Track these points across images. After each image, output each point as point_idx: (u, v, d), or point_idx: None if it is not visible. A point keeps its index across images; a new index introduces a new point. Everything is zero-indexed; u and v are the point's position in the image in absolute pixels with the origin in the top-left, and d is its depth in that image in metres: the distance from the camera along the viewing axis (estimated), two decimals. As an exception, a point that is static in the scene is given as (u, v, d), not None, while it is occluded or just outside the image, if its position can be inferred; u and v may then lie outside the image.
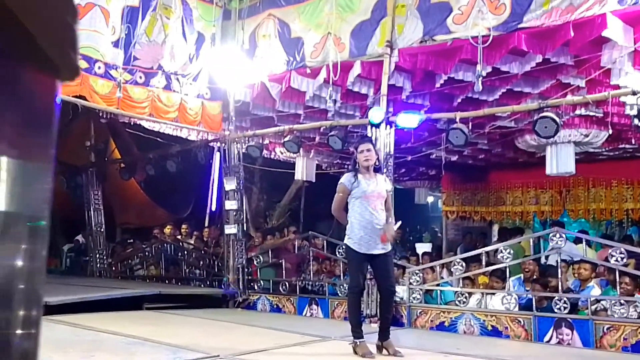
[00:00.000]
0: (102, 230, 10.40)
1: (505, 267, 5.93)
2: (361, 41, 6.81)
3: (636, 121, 5.33)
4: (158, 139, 8.66)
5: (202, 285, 8.61)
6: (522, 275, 6.35)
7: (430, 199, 15.15)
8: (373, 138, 6.24)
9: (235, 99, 7.98)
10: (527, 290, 6.00)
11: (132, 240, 11.13)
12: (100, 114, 7.24)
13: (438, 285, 6.39)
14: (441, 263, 6.70)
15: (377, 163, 4.65)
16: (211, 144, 8.45)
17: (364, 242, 4.44)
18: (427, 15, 6.29)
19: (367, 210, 4.47)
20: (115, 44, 6.90)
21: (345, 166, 5.04)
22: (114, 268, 10.18)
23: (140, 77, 7.32)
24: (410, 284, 6.37)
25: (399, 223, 4.72)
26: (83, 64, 6.51)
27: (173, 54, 7.60)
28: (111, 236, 11.50)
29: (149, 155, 9.73)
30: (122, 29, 6.93)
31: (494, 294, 6.01)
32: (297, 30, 7.38)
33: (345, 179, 4.58)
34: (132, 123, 7.84)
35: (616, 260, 5.29)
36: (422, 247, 9.75)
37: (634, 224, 10.37)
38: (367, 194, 4.49)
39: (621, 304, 5.18)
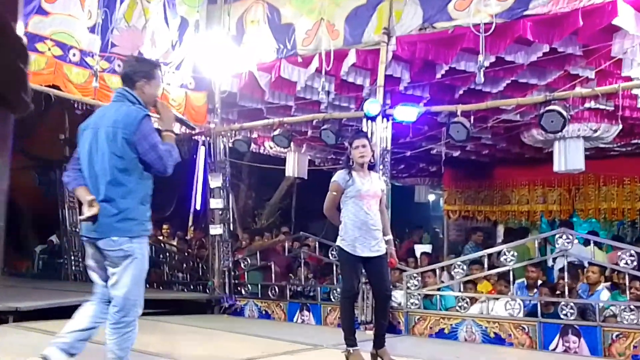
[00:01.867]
0: (77, 230, 10.32)
1: (510, 271, 5.98)
2: (356, 28, 6.82)
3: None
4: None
5: (186, 290, 8.65)
6: (525, 279, 6.41)
7: (431, 197, 15.16)
8: (369, 132, 6.26)
9: (221, 89, 7.99)
10: (532, 295, 6.06)
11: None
12: (75, 105, 7.19)
13: (438, 289, 6.40)
14: (441, 266, 6.72)
15: (372, 160, 4.68)
16: (195, 137, 8.45)
17: (358, 244, 4.48)
18: (427, 0, 6.32)
19: (362, 210, 4.51)
20: (92, 30, 6.87)
21: (340, 162, 4.99)
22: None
23: (119, 66, 7.27)
24: (408, 288, 6.39)
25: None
26: (56, 51, 6.49)
27: (154, 41, 7.57)
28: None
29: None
30: (98, 14, 6.91)
31: (497, 299, 6.06)
32: (287, 15, 7.39)
33: (339, 177, 4.61)
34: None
35: (626, 263, 5.33)
36: (422, 249, 9.77)
37: (647, 224, 10.57)
38: (362, 193, 4.53)
39: (631, 310, 5.21)
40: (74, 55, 6.74)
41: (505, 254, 6.02)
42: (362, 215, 4.51)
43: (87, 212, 3.11)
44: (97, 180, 3.19)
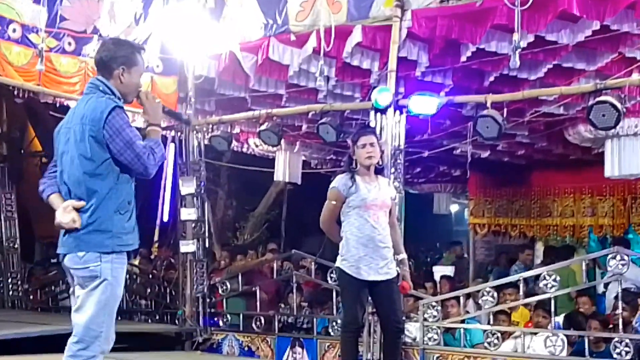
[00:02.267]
0: (15, 246, 10.31)
1: (550, 299, 5.98)
2: (362, -1, 6.84)
3: None
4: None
5: (150, 321, 8.64)
6: (570, 309, 6.48)
7: (453, 208, 15.25)
8: (377, 128, 6.33)
9: (196, 74, 8.00)
10: (578, 330, 6.02)
11: (56, 260, 11.00)
12: (15, 92, 7.16)
13: (462, 321, 6.40)
14: (467, 292, 6.75)
15: (380, 162, 4.75)
16: (163, 133, 8.46)
17: (363, 265, 4.56)
18: (450, -36, 6.39)
19: (368, 223, 4.60)
20: (36, 0, 6.85)
21: (341, 164, 5.31)
22: (31, 297, 10.14)
23: (70, 44, 7.28)
24: (425, 319, 6.38)
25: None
26: (-8, 26, 6.51)
27: (113, 14, 7.55)
28: (28, 254, 11.42)
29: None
30: (45, -20, 6.90)
31: (535, 333, 6.05)
32: (278, -16, 7.41)
33: (339, 182, 4.68)
34: (57, 104, 7.75)
35: (693, 291, 5.39)
36: (442, 272, 9.74)
37: None
38: (368, 202, 4.59)
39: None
40: (14, 31, 6.71)
41: (545, 279, 6.00)
42: (368, 230, 4.58)
43: (60, 218, 3.19)
44: (67, 187, 3.27)
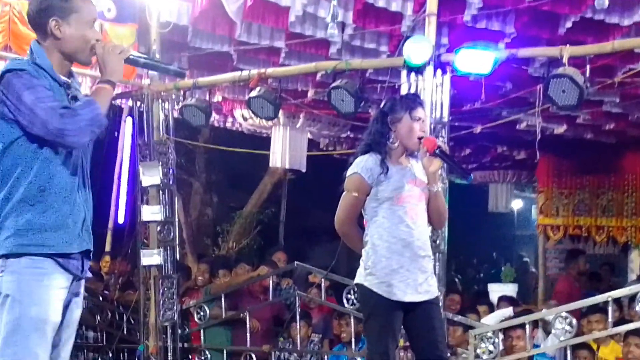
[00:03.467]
0: None
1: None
2: None
3: None
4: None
5: (100, 359, 8.71)
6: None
7: (516, 205, 15.09)
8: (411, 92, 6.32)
9: (161, 20, 8.02)
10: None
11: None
12: None
13: (529, 359, 6.43)
14: (534, 318, 6.71)
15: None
16: (117, 101, 8.56)
17: (396, 281, 4.53)
18: None
19: (403, 222, 4.58)
20: None
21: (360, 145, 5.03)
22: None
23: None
24: (478, 356, 6.38)
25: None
26: None
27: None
28: None
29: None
30: None
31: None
32: None
33: (362, 165, 4.63)
34: (-29, 63, 7.83)
35: None
36: (500, 291, 9.76)
37: None
38: (404, 193, 4.58)
39: None
40: None
41: (644, 300, 5.99)
42: (404, 232, 4.57)
43: None
44: None
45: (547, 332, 6.62)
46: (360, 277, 4.65)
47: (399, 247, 4.55)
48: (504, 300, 8.85)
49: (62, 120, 3.23)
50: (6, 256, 3.26)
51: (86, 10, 3.49)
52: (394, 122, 4.63)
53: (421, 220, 4.64)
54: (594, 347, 6.75)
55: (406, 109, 4.64)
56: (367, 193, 4.61)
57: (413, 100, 4.78)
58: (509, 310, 7.67)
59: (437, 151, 4.50)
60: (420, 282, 4.58)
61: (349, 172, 4.68)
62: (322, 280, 7.60)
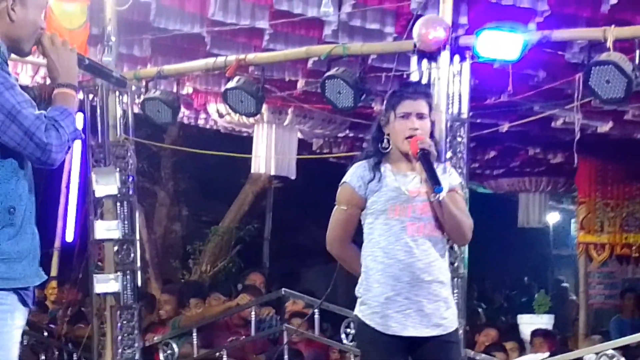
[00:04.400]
0: None
1: None
2: None
3: None
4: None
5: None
6: None
7: (552, 218, 15.47)
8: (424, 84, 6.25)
9: (120, -5, 7.85)
10: None
11: None
12: None
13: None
14: (575, 357, 6.85)
15: (430, 146, 4.40)
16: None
17: (392, 312, 4.32)
18: None
19: (401, 239, 4.35)
20: None
21: (363, 145, 5.57)
22: None
23: None
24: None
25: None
26: None
27: None
28: None
29: None
30: None
31: None
32: None
33: (353, 174, 4.51)
34: None
35: None
36: (534, 323, 9.56)
37: None
38: (402, 205, 4.41)
39: None
40: None
41: None
42: (402, 252, 4.33)
43: None
44: None
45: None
46: (356, 308, 4.51)
47: (395, 270, 4.34)
48: (539, 335, 8.74)
49: (48, 133, 3.14)
50: None
51: None
52: (385, 124, 4.53)
53: (427, 237, 4.38)
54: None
55: (392, 107, 4.52)
56: (361, 206, 4.44)
57: (398, 94, 4.61)
58: (543, 355, 7.59)
59: (419, 154, 4.37)
60: (427, 313, 4.33)
61: (342, 181, 4.57)
62: (315, 310, 7.55)
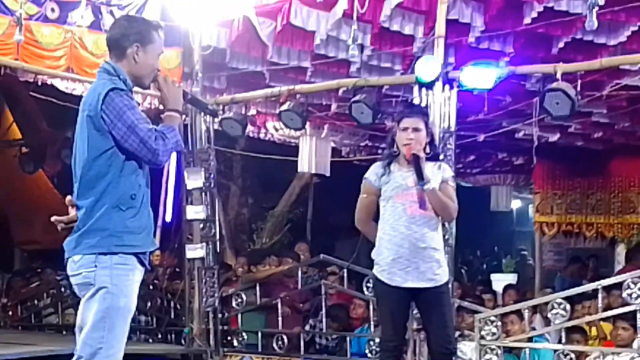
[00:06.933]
0: None
1: (636, 312, 5.92)
2: (404, -53, 6.82)
3: None
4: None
5: (151, 340, 8.73)
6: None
7: (515, 204, 15.17)
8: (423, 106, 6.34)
9: (203, 44, 8.04)
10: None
11: (39, 270, 11.14)
12: (-12, 69, 7.24)
13: (529, 340, 6.38)
14: (532, 304, 6.73)
15: (428, 151, 4.82)
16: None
17: (397, 269, 4.62)
18: None
19: (402, 217, 4.66)
20: (13, -42, 6.88)
21: (378, 152, 5.17)
22: (10, 312, 10.21)
23: (53, 10, 7.28)
24: (482, 337, 6.33)
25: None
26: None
27: (103, -26, 7.61)
28: (6, 263, 11.62)
29: (67, 135, 9.69)
30: None
31: (617, 353, 5.99)
32: None
33: (371, 171, 4.82)
34: (39, 83, 7.82)
35: None
36: (503, 280, 10.01)
37: None
38: (404, 192, 4.70)
39: None
40: (-13, -5, 6.79)
41: (629, 287, 5.93)
42: (403, 226, 4.66)
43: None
44: (76, 182, 3.52)
45: (545, 317, 6.65)
46: (373, 268, 4.78)
47: (399, 239, 4.63)
48: (510, 288, 8.90)
49: (157, 142, 3.39)
50: (99, 254, 3.37)
51: (159, 43, 3.65)
52: (395, 133, 4.81)
53: (422, 216, 4.67)
54: (586, 329, 6.73)
55: (397, 121, 4.81)
56: (377, 194, 4.73)
57: (400, 113, 4.95)
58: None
59: (412, 157, 4.66)
60: (422, 271, 4.63)
61: (364, 177, 4.88)
62: (345, 270, 7.54)
